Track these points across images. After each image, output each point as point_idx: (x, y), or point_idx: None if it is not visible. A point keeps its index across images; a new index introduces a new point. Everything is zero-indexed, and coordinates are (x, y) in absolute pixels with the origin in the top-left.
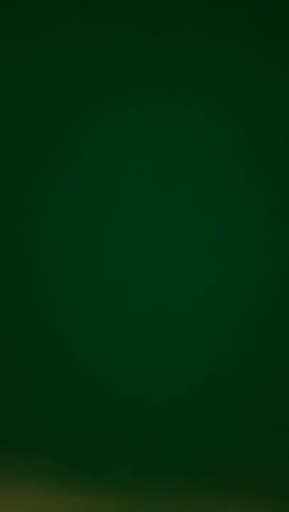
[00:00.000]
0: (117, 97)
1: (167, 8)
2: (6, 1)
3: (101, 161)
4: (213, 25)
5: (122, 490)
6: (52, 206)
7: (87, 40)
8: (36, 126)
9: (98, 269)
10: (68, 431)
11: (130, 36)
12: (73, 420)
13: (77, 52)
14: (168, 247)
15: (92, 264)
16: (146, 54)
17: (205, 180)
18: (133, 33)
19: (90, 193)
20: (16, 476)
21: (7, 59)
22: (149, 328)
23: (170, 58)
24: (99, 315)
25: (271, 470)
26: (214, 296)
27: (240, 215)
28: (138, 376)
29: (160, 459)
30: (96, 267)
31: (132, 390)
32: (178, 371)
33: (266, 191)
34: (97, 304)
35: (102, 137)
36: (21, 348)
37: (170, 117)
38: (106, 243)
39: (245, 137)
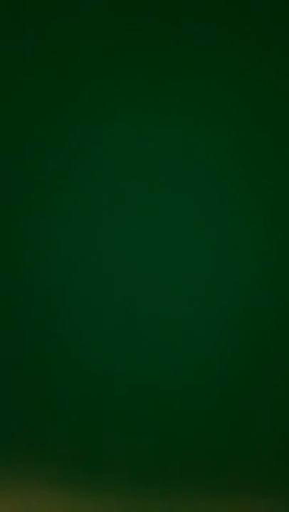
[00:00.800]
0: (118, 99)
1: (169, 12)
2: (6, 3)
3: (102, 163)
4: (215, 29)
5: (122, 490)
6: (52, 208)
7: (88, 43)
8: (37, 129)
9: (98, 270)
10: (68, 431)
11: (132, 39)
12: (73, 420)
13: (78, 55)
14: (168, 247)
15: (92, 264)
16: (148, 58)
17: (206, 182)
18: (135, 36)
19: (91, 195)
20: (16, 477)
21: (7, 61)
22: (148, 327)
23: (172, 61)
24: (99, 314)
25: (271, 470)
26: (214, 295)
27: (240, 215)
28: (139, 376)
29: (160, 459)
30: (96, 267)
31: (132, 390)
32: (178, 371)
33: (266, 192)
34: (96, 304)
35: (104, 140)
36: (21, 349)
37: (171, 121)
38: (106, 244)
39: (246, 138)
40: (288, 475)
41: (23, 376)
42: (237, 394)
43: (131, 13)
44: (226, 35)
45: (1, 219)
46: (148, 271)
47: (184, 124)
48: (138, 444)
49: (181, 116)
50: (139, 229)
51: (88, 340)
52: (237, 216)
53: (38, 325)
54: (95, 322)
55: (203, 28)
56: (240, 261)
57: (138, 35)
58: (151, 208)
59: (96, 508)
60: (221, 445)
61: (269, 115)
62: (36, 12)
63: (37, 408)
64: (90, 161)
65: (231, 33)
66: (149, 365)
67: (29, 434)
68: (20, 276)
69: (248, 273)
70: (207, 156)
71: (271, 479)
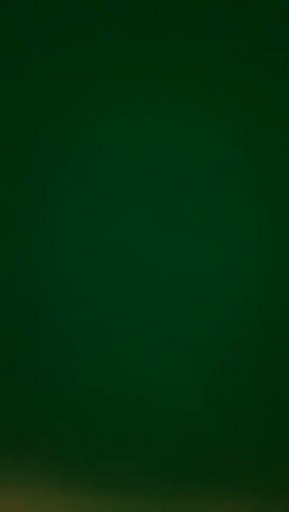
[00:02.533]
0: (118, 90)
1: (168, 5)
2: None
3: (100, 157)
4: (214, 20)
5: (122, 489)
6: (50, 205)
7: (87, 36)
8: (35, 123)
9: (96, 272)
10: (68, 431)
11: (131, 31)
12: (72, 420)
13: (77, 48)
14: (169, 248)
15: (91, 267)
16: (147, 48)
17: (207, 177)
18: (134, 28)
19: (89, 191)
20: (15, 476)
21: (6, 56)
22: (148, 331)
23: (171, 52)
24: (97, 317)
25: (271, 470)
26: (216, 301)
27: (242, 216)
28: (138, 377)
29: (160, 458)
30: (94, 270)
31: (131, 390)
32: (179, 372)
33: (269, 185)
34: (95, 306)
35: (102, 133)
36: (21, 349)
37: (170, 114)
38: (105, 244)
39: (247, 133)
40: (288, 474)
41: (21, 375)
42: (237, 395)
43: (131, 8)
44: (227, 25)
45: None
46: (148, 271)
47: (185, 116)
48: (138, 443)
49: (180, 109)
50: (139, 227)
51: (89, 340)
52: (240, 218)
53: (36, 322)
54: (93, 320)
55: (203, 18)
56: (243, 266)
57: (137, 25)
58: (151, 207)
59: (95, 508)
60: (220, 445)
61: (271, 106)
62: (35, 6)
63: (36, 408)
64: (89, 154)
65: (232, 22)
66: (149, 366)
67: (28, 434)
68: (17, 279)
69: (251, 279)
70: (208, 153)
71: (271, 479)
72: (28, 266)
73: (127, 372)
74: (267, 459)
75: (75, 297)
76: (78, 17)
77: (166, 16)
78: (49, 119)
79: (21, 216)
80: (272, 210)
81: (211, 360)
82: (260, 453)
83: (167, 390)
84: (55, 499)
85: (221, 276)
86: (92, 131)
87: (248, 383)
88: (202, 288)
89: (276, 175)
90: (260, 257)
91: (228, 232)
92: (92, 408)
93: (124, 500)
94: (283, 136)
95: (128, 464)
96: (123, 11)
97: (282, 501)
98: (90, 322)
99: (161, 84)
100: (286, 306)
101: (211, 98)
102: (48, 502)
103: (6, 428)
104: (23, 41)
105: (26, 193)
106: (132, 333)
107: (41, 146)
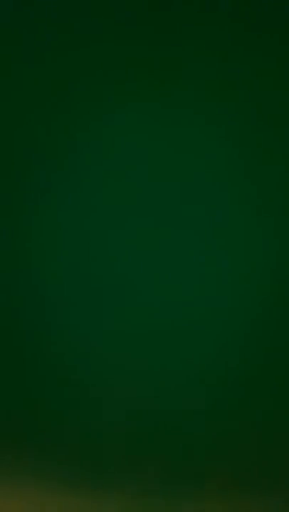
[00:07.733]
0: (117, 95)
1: (167, 8)
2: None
3: (100, 163)
4: (214, 23)
5: (123, 490)
6: (49, 208)
7: (87, 39)
8: (34, 126)
9: (94, 274)
10: (69, 431)
11: (130, 35)
12: (74, 420)
13: (77, 53)
14: (168, 252)
15: (89, 269)
16: (147, 53)
17: (206, 183)
18: (134, 35)
19: (90, 193)
20: (16, 477)
21: (6, 58)
22: (148, 331)
23: (169, 56)
24: (95, 320)
25: (271, 469)
26: (217, 302)
27: (243, 217)
28: (139, 377)
29: (160, 459)
30: (92, 273)
31: (132, 391)
32: (179, 371)
33: (270, 189)
34: (93, 310)
35: (101, 138)
36: (21, 349)
37: (170, 118)
38: (105, 246)
39: (246, 136)
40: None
41: (23, 375)
42: (237, 395)
43: (130, 11)
44: (226, 30)
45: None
46: (148, 274)
47: (184, 120)
48: (138, 444)
49: (180, 116)
50: (139, 229)
51: (89, 340)
52: (240, 214)
53: (35, 326)
54: (93, 321)
55: (202, 26)
56: (244, 269)
57: (138, 32)
58: (150, 211)
59: (96, 508)
60: (220, 445)
61: (270, 110)
62: (35, 10)
63: (37, 408)
64: (89, 159)
65: (231, 26)
66: (149, 366)
67: (29, 434)
68: (15, 280)
69: (253, 281)
70: (207, 155)
71: (271, 478)
72: (27, 266)
73: (127, 373)
74: (267, 459)
75: (75, 298)
76: (79, 23)
77: (166, 23)
78: (49, 123)
79: (21, 220)
80: (272, 212)
81: (212, 361)
82: (260, 453)
83: (167, 389)
84: (55, 500)
85: (222, 278)
86: (92, 137)
87: (249, 383)
88: (203, 289)
89: (276, 179)
90: (261, 259)
91: (229, 234)
92: (91, 408)
93: (125, 500)
94: (282, 140)
95: (128, 464)
96: (123, 17)
97: (283, 501)
98: (89, 322)
99: (160, 90)
100: (287, 306)
101: (211, 104)
102: (47, 503)
103: (5, 428)
104: (23, 45)
105: (26, 196)
106: (132, 333)
107: (41, 152)
